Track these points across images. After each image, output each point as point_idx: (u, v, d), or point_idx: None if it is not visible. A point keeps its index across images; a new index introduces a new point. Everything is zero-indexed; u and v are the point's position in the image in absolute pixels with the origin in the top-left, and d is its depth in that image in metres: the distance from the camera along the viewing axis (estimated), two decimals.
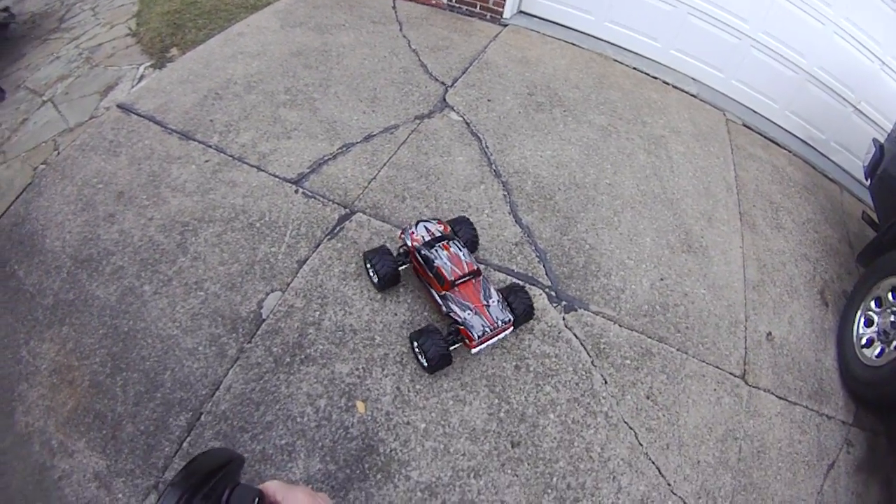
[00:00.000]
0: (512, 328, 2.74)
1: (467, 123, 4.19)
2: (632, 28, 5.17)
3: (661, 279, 3.35)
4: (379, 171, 3.70)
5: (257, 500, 0.76)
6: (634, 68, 5.08)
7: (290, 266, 3.11)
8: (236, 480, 0.80)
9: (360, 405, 2.61)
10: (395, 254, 2.92)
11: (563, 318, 3.05)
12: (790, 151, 4.89)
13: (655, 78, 5.00)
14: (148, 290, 3.06)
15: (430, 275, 2.72)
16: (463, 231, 3.02)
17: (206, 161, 3.72)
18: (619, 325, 3.08)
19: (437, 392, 2.69)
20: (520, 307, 2.77)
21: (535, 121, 4.28)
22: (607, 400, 2.80)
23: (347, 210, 3.43)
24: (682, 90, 4.94)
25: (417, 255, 2.80)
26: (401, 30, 5.19)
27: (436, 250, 2.73)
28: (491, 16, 5.45)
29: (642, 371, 2.93)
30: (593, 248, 3.43)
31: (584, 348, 2.95)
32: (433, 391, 2.69)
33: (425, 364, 2.64)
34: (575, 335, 3.00)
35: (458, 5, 5.53)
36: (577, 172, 3.90)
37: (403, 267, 2.93)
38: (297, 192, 3.50)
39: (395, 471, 2.47)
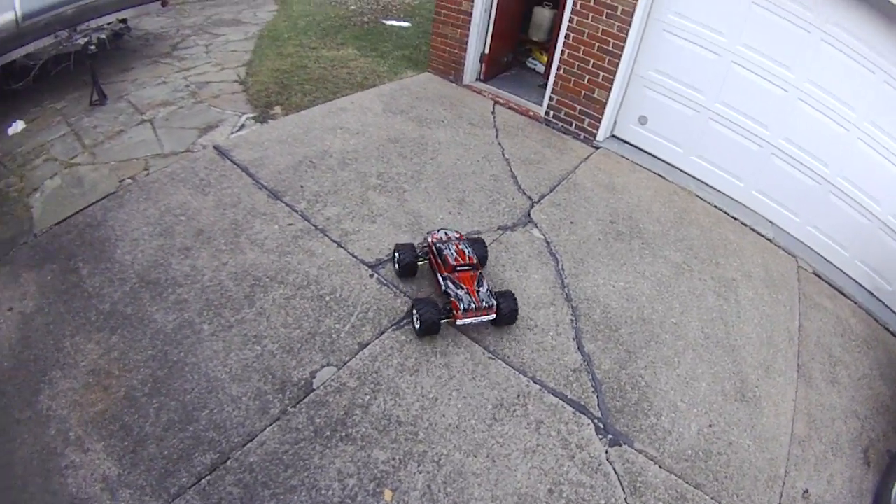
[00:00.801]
0: (495, 316, 3.80)
1: (548, 242, 4.82)
2: (717, 165, 5.85)
3: (710, 426, 3.74)
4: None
5: None
6: (715, 206, 5.68)
7: (350, 346, 3.72)
8: None
9: (387, 494, 3.06)
10: (417, 251, 4.17)
11: (606, 452, 3.46)
12: (855, 302, 5.24)
13: (735, 218, 5.58)
14: (206, 330, 3.70)
15: (439, 261, 3.97)
16: (476, 247, 4.20)
17: (290, 224, 4.51)
18: (660, 467, 3.45)
19: (467, 499, 3.09)
20: (506, 307, 3.84)
21: (612, 249, 4.89)
22: None
23: None
24: (759, 233, 5.47)
25: (433, 248, 4.08)
26: (497, 136, 6.11)
27: (447, 245, 4.07)
28: (584, 136, 6.35)
29: None
30: (649, 385, 3.88)
31: (621, 484, 3.33)
32: (462, 497, 3.10)
33: (418, 326, 3.74)
34: (614, 469, 3.39)
35: (554, 121, 6.52)
36: (646, 307, 4.42)
37: (422, 262, 4.16)
38: (371, 276, 4.20)
39: None
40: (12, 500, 2.86)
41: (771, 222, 5.64)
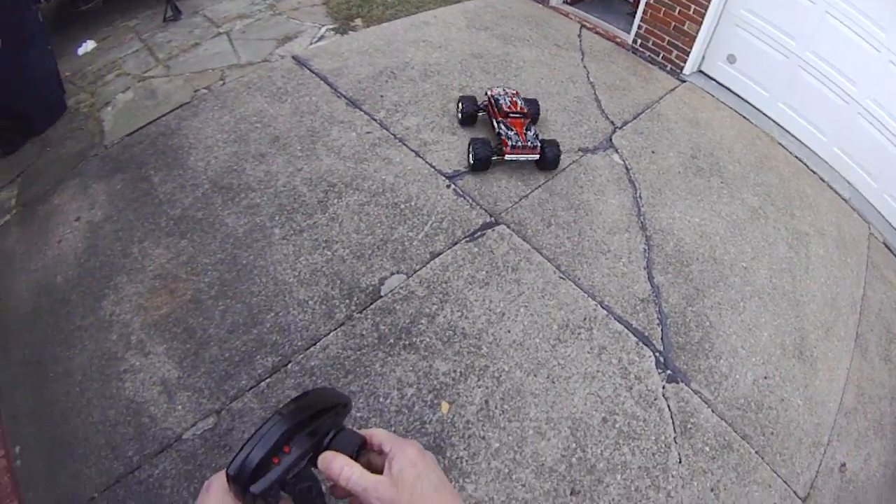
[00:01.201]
0: (538, 156, 4.40)
1: (627, 169, 4.70)
2: (802, 115, 5.61)
3: (765, 377, 3.59)
4: (533, 191, 4.28)
5: (360, 447, 0.86)
6: (796, 156, 5.49)
7: (422, 255, 3.68)
8: (341, 425, 0.89)
9: (444, 405, 3.04)
10: (478, 103, 4.78)
11: (664, 387, 3.36)
12: None
13: (813, 172, 5.33)
14: (277, 234, 3.74)
15: (495, 108, 4.59)
16: (528, 102, 4.78)
17: (368, 133, 4.47)
18: (712, 411, 3.34)
19: (522, 418, 3.06)
20: (550, 152, 4.40)
21: (691, 184, 4.73)
22: (675, 480, 3.04)
23: (493, 219, 4.00)
24: (836, 191, 5.23)
25: (491, 99, 4.69)
26: (582, 59, 5.92)
27: (503, 96, 4.69)
28: (671, 68, 6.13)
29: (717, 462, 3.15)
30: (713, 326, 3.74)
31: (673, 422, 3.24)
32: (518, 416, 3.07)
33: (471, 162, 4.30)
34: (668, 406, 3.29)
35: (641, 49, 6.27)
36: (719, 247, 4.28)
37: (481, 114, 4.79)
38: (448, 187, 4.13)
39: (452, 478, 2.83)
40: (69, 405, 3.01)
41: (849, 182, 5.43)
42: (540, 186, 4.35)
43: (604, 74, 5.74)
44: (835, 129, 5.39)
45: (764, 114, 5.88)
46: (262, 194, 4.00)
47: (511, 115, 4.54)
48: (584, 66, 5.77)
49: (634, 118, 5.27)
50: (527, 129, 4.45)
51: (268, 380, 3.07)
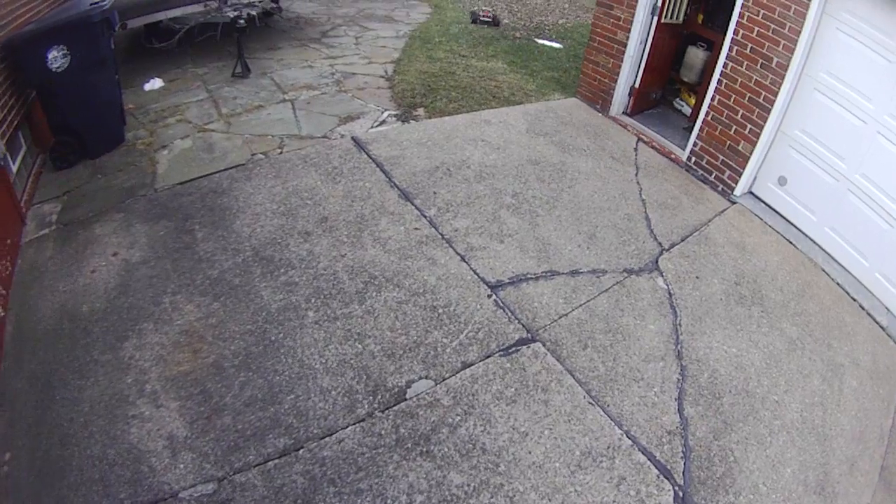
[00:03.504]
0: None
1: (670, 294, 4.86)
2: (847, 240, 5.76)
3: None
4: (573, 310, 4.44)
5: None
6: (838, 283, 5.61)
7: (453, 363, 3.85)
8: None
9: None
10: None
11: None
12: None
13: (854, 300, 5.45)
14: (311, 317, 3.95)
15: None
16: None
17: (416, 229, 4.74)
18: None
19: None
20: None
21: (732, 313, 4.85)
22: None
23: (529, 335, 4.16)
24: (874, 318, 5.33)
25: None
26: (636, 174, 6.20)
27: None
28: (722, 188, 6.40)
29: None
30: (737, 461, 3.78)
31: None
32: None
33: None
34: None
35: (695, 168, 6.59)
36: (752, 379, 4.34)
37: None
38: (490, 297, 4.33)
39: None
40: (70, 431, 3.18)
41: (888, 309, 5.53)
42: (581, 306, 4.52)
43: (656, 192, 6.03)
44: (878, 254, 5.59)
45: (810, 238, 6.10)
46: (302, 273, 4.23)
47: None
48: (638, 182, 6.07)
49: (682, 240, 5.49)
50: None
51: (276, 461, 3.20)
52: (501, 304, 4.30)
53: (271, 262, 4.25)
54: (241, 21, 7.50)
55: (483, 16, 11.21)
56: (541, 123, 6.67)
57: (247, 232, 4.40)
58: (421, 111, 6.49)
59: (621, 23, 7.03)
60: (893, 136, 5.20)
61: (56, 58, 4.88)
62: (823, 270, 5.74)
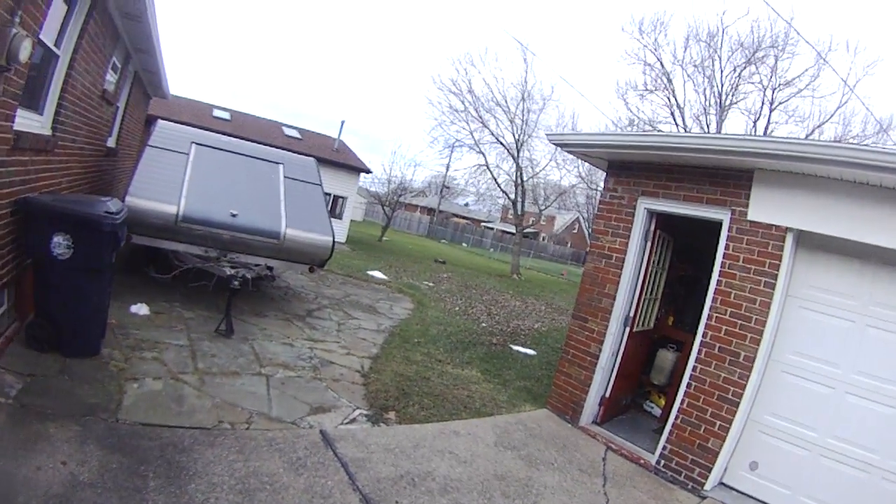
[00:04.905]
0: None
1: None
2: (822, 500, 5.82)
3: None
4: None
5: None
6: None
7: None
8: None
9: None
10: None
11: None
12: None
13: None
14: None
15: None
16: None
17: None
18: None
19: None
20: None
21: None
22: None
23: None
24: None
25: None
26: (604, 485, 6.17)
27: None
28: (692, 486, 6.38)
29: None
30: None
31: None
32: None
33: None
34: None
35: (664, 471, 6.64)
36: None
37: None
38: None
39: None
40: None
41: None
42: None
43: (623, 501, 5.99)
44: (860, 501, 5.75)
45: None
46: None
47: None
48: (605, 493, 6.04)
49: None
50: None
51: None
52: None
53: None
54: (236, 283, 7.84)
55: None
56: (510, 436, 6.78)
57: (200, 499, 4.23)
58: (392, 415, 6.57)
59: (594, 335, 7.58)
60: (862, 391, 5.68)
61: (60, 244, 5.18)
62: None
